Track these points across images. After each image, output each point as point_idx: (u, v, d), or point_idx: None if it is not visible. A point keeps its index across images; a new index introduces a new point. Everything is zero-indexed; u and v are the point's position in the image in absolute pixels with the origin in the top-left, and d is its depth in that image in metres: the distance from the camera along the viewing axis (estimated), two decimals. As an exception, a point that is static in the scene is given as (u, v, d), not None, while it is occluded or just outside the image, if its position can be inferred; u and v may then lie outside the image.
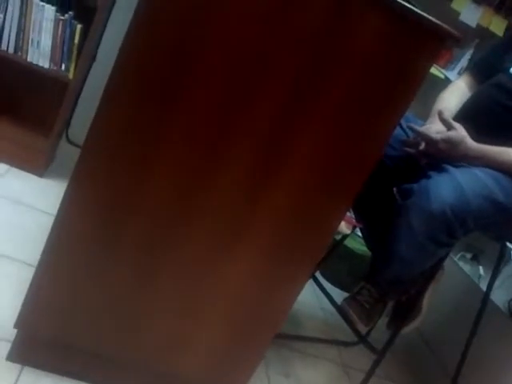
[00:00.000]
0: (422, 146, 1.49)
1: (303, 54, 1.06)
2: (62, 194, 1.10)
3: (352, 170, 1.18)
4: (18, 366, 1.25)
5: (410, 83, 1.12)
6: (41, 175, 2.17)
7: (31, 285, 1.17)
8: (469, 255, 2.59)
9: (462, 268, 2.49)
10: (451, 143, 1.45)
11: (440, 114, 1.48)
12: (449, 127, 1.47)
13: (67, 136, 2.45)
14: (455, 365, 1.85)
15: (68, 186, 1.10)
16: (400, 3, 1.04)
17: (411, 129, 1.53)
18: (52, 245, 1.14)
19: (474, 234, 1.49)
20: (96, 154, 1.08)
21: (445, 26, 1.06)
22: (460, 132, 1.46)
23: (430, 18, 1.05)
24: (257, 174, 1.14)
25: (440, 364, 2.25)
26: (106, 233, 1.15)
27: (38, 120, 2.28)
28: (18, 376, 1.23)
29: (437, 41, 1.09)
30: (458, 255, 2.56)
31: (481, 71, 1.74)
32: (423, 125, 1.59)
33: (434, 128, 1.50)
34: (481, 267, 2.47)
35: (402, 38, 1.07)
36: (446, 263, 1.65)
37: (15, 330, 1.23)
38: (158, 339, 1.28)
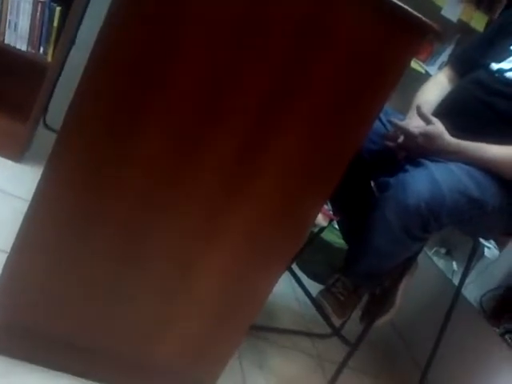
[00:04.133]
0: (401, 139, 1.50)
1: (280, 49, 1.05)
2: (38, 180, 1.09)
3: (330, 162, 1.18)
4: (-11, 355, 1.23)
5: (389, 76, 1.13)
6: (17, 161, 2.13)
7: (3, 272, 1.15)
8: (443, 250, 2.62)
9: (435, 263, 2.52)
10: (429, 137, 1.46)
11: (418, 109, 1.50)
12: (427, 122, 1.48)
13: (44, 121, 2.41)
14: (427, 357, 1.88)
15: (43, 171, 1.08)
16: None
17: (391, 123, 1.54)
18: (26, 230, 1.13)
19: (449, 230, 1.51)
20: (72, 139, 1.07)
21: (425, 19, 1.06)
22: (438, 127, 1.47)
23: (411, 10, 1.06)
24: (234, 166, 1.14)
25: (412, 356, 2.28)
26: (82, 219, 1.14)
27: (14, 104, 2.24)
28: (-10, 364, 1.22)
29: (417, 34, 1.09)
30: (432, 250, 2.59)
31: (462, 65, 1.75)
32: (403, 119, 1.60)
33: (414, 123, 1.52)
34: (454, 262, 2.51)
35: (381, 31, 1.07)
36: (420, 258, 1.67)
37: (-13, 318, 1.21)
38: (131, 328, 1.27)
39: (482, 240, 1.79)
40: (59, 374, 1.29)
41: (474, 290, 2.26)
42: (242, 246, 1.23)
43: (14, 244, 1.13)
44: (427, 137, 1.46)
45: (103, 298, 1.22)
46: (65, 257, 1.16)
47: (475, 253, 1.77)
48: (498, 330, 2.08)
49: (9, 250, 1.15)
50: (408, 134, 1.48)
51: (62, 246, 1.15)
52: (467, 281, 1.85)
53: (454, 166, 1.40)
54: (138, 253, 1.19)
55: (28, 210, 1.11)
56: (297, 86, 1.09)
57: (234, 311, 1.31)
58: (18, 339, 1.25)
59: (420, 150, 1.47)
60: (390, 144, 1.53)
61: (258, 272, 1.27)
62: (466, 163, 1.44)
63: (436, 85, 1.74)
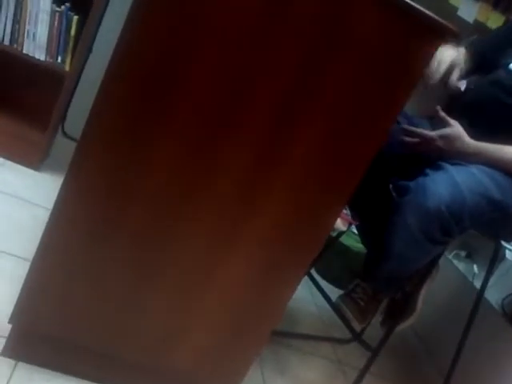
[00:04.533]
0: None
1: (299, 51, 1.05)
2: (57, 188, 1.09)
3: (349, 167, 1.17)
4: (12, 362, 1.24)
5: (407, 79, 1.12)
6: (36, 169, 2.15)
7: (26, 280, 1.16)
8: (463, 253, 2.59)
9: (456, 266, 2.49)
10: (448, 139, 1.46)
11: (438, 111, 1.49)
12: (447, 124, 1.47)
13: (63, 129, 2.44)
14: (449, 362, 1.86)
15: (64, 179, 1.09)
16: (398, -2, 1.03)
17: (406, 130, 1.53)
18: (47, 239, 1.13)
19: (469, 232, 1.49)
20: (92, 147, 1.08)
21: (443, 21, 1.05)
22: (457, 128, 1.46)
23: (428, 12, 1.05)
24: (254, 173, 1.13)
25: (434, 361, 2.26)
26: (102, 227, 1.14)
27: (33, 113, 2.27)
28: (12, 371, 1.22)
29: (435, 36, 1.08)
30: (453, 253, 2.56)
31: (477, 56, 1.72)
32: (419, 122, 1.59)
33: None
34: (475, 265, 2.48)
35: (399, 34, 1.07)
36: (441, 261, 1.66)
37: (10, 326, 1.22)
38: (151, 335, 1.27)
39: (503, 242, 1.77)
40: (78, 380, 1.30)
41: (495, 293, 2.23)
42: (261, 252, 1.22)
43: (36, 252, 1.14)
44: (447, 139, 1.45)
45: (123, 305, 1.22)
46: (86, 265, 1.17)
47: (497, 256, 1.75)
48: (521, 334, 2.05)
49: (29, 258, 1.16)
50: (427, 138, 1.47)
51: (83, 254, 1.15)
52: (488, 284, 1.82)
53: (474, 169, 1.39)
54: (156, 261, 1.19)
55: (50, 217, 1.11)
56: (313, 89, 1.09)
57: (254, 318, 1.30)
58: (37, 346, 1.26)
59: (439, 153, 1.46)
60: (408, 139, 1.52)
61: (277, 279, 1.26)
62: (487, 165, 1.42)
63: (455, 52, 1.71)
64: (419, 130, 1.50)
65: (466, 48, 1.80)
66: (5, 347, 1.24)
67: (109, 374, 1.32)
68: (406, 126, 1.52)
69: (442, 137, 1.45)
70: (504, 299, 2.23)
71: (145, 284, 1.21)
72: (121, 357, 1.29)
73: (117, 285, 1.20)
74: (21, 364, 1.25)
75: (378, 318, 1.71)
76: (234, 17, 1.01)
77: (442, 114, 1.48)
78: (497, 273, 2.25)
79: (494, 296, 2.22)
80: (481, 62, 1.68)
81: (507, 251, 2.20)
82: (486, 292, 1.82)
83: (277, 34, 1.03)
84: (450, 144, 1.45)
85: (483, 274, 1.82)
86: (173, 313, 1.25)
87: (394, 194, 1.52)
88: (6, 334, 1.24)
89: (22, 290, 1.17)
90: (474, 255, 2.57)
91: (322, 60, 1.07)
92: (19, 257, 1.61)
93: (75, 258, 1.16)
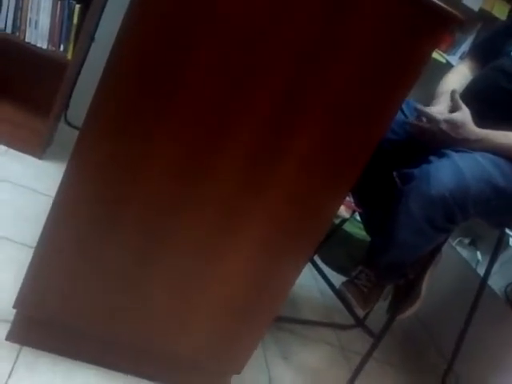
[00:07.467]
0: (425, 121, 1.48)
1: (301, 40, 1.04)
2: (60, 176, 1.10)
3: (352, 153, 1.17)
4: (16, 346, 1.25)
5: (411, 67, 1.11)
6: (39, 157, 2.16)
7: (30, 266, 1.17)
8: (467, 240, 2.59)
9: (459, 253, 2.49)
10: (453, 124, 1.44)
11: (453, 93, 1.48)
12: (457, 108, 1.46)
13: (66, 118, 2.44)
14: (452, 348, 1.87)
15: (67, 167, 1.09)
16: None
17: (415, 109, 1.52)
18: (50, 226, 1.14)
19: (473, 219, 1.49)
20: (94, 135, 1.08)
21: (448, 8, 1.05)
22: (464, 115, 1.45)
23: (435, 0, 1.04)
24: (257, 160, 1.13)
25: (437, 347, 2.27)
26: (105, 215, 1.15)
27: (36, 101, 2.26)
28: (17, 356, 1.24)
29: (440, 24, 1.08)
30: (456, 240, 2.56)
31: (483, 55, 1.72)
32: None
33: (436, 109, 1.50)
34: (478, 252, 2.48)
35: (404, 21, 1.06)
36: (444, 248, 1.66)
37: (14, 311, 1.23)
38: (155, 321, 1.28)
39: (507, 230, 1.77)
40: (85, 365, 1.31)
41: (498, 281, 2.24)
42: (265, 239, 1.23)
43: (39, 238, 1.14)
44: (451, 124, 1.44)
45: (126, 291, 1.23)
46: (88, 251, 1.17)
47: (501, 243, 1.75)
48: (524, 321, 2.06)
49: (32, 244, 1.16)
50: (432, 119, 1.46)
51: (86, 240, 1.16)
52: (492, 271, 1.82)
53: (478, 156, 1.39)
54: (158, 247, 1.20)
55: (52, 205, 1.12)
56: (317, 75, 1.08)
57: (257, 304, 1.31)
58: (42, 331, 1.27)
59: (442, 137, 1.45)
60: (414, 125, 1.51)
61: (280, 265, 1.27)
62: (489, 152, 1.42)
63: (458, 75, 1.72)
64: (426, 110, 1.49)
65: (472, 52, 1.80)
66: (10, 332, 1.25)
67: (112, 358, 1.33)
68: (416, 106, 1.51)
69: (447, 121, 1.44)
70: (507, 286, 2.24)
71: (147, 270, 1.22)
72: (124, 342, 1.30)
73: (120, 271, 1.21)
74: (25, 349, 1.26)
75: (381, 304, 1.71)
76: (237, 9, 1.01)
77: (457, 97, 1.47)
78: (500, 260, 2.25)
79: (497, 283, 2.22)
80: (488, 59, 1.67)
81: (511, 239, 2.20)
82: (489, 279, 1.82)
83: (278, 24, 1.02)
84: (453, 129, 1.44)
85: (486, 261, 1.82)
86: (175, 299, 1.26)
87: (397, 182, 1.52)
88: (11, 318, 1.25)
89: (26, 275, 1.18)
90: (477, 242, 2.56)
91: (326, 46, 1.06)
92: (23, 244, 1.61)
93: (78, 245, 1.16)
